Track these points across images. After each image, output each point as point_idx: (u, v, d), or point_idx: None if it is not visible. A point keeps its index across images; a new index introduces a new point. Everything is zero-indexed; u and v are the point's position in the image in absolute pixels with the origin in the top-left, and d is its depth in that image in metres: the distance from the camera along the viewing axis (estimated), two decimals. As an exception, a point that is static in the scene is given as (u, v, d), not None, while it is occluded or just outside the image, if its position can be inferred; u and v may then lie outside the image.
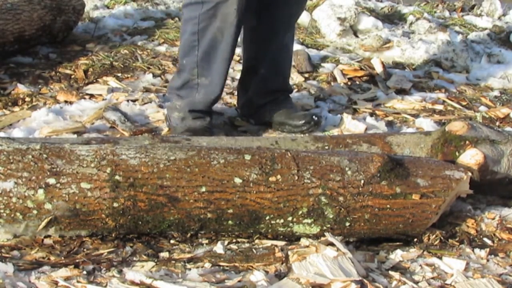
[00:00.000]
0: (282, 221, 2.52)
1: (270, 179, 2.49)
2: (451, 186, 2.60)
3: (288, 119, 3.60)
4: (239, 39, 3.50)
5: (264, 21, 3.56)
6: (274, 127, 3.65)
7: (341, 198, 2.51)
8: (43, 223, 2.42)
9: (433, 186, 2.59)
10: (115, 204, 2.43)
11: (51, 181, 2.41)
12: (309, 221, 2.52)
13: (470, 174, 2.67)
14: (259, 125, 3.69)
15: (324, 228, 2.53)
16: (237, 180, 2.48)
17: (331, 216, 2.52)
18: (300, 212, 2.51)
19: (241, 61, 4.29)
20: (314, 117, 3.61)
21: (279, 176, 2.50)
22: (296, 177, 2.51)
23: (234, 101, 3.92)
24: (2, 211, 2.39)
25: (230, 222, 2.50)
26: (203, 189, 2.46)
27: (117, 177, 2.43)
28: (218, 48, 3.36)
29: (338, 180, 2.52)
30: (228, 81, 4.18)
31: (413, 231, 2.62)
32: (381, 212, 2.54)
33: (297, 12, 3.67)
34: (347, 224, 2.54)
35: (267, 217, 2.51)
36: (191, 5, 3.40)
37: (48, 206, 2.40)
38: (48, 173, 2.41)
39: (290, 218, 2.52)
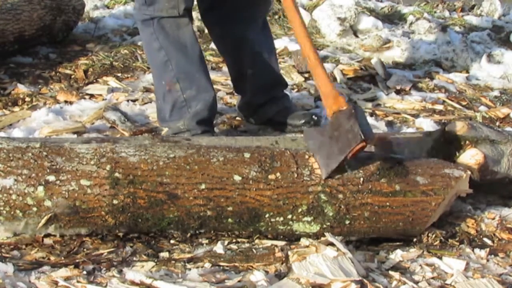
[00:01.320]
0: (281, 219, 2.52)
1: (270, 176, 2.49)
2: (450, 184, 2.60)
3: (288, 119, 3.59)
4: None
5: (229, 27, 3.51)
6: (274, 127, 3.64)
7: (340, 196, 2.52)
8: (43, 221, 2.42)
9: (433, 184, 2.59)
10: (115, 201, 2.43)
11: (51, 178, 2.41)
12: (308, 219, 2.52)
13: (469, 172, 2.67)
14: (259, 125, 3.68)
15: (324, 226, 2.53)
16: (237, 178, 2.48)
17: (330, 214, 2.52)
18: (300, 210, 2.51)
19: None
20: (313, 116, 3.61)
21: (278, 174, 2.50)
22: (296, 175, 2.51)
23: (234, 101, 3.92)
24: (2, 208, 2.40)
25: (229, 220, 2.50)
26: (203, 186, 2.46)
27: (116, 174, 2.43)
28: (187, 51, 3.30)
29: (337, 177, 2.52)
30: (228, 81, 4.18)
31: (413, 229, 2.62)
32: (380, 210, 2.55)
33: (262, 9, 3.60)
34: (347, 222, 2.54)
35: (267, 215, 2.51)
36: (145, 22, 3.34)
37: (48, 203, 2.41)
38: (48, 170, 2.41)
39: (289, 216, 2.52)
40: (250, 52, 3.54)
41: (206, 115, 3.35)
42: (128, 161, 2.46)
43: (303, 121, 3.57)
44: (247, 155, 2.52)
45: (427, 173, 2.60)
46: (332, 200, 2.51)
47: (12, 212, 2.41)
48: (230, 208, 2.48)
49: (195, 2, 3.42)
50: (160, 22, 3.28)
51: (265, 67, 3.61)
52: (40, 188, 2.40)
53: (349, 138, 2.47)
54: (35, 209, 2.41)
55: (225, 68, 4.41)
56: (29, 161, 2.42)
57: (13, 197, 2.39)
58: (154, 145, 2.54)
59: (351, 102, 2.55)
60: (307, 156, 2.55)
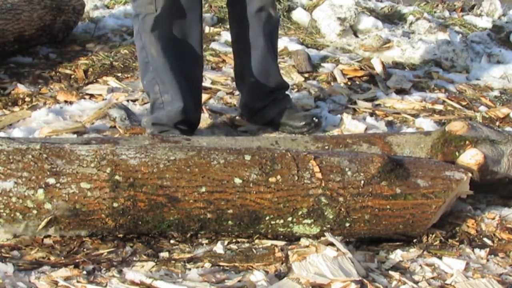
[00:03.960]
0: (282, 221, 2.52)
1: (270, 179, 2.49)
2: (451, 187, 2.60)
3: (288, 120, 3.58)
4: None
5: (239, 32, 3.50)
6: (274, 127, 3.64)
7: (341, 199, 2.51)
8: (43, 223, 2.42)
9: (433, 187, 2.58)
10: (115, 204, 2.43)
11: (51, 181, 2.41)
12: (309, 221, 2.52)
13: (470, 175, 2.67)
14: (260, 126, 3.68)
15: (324, 228, 2.53)
16: (237, 181, 2.48)
17: (331, 217, 2.52)
18: (300, 213, 2.51)
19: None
20: (314, 118, 3.59)
21: (279, 177, 2.50)
22: (296, 178, 2.50)
23: (234, 101, 3.92)
24: (2, 211, 2.39)
25: (230, 222, 2.50)
26: (203, 189, 2.46)
27: (117, 177, 2.43)
28: (159, 63, 3.26)
29: (338, 180, 2.52)
30: (228, 81, 4.18)
31: (413, 231, 2.62)
32: (381, 213, 2.54)
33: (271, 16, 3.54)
34: (347, 224, 2.54)
35: (267, 218, 2.51)
36: (134, 19, 3.33)
37: (48, 206, 2.40)
38: (48, 173, 2.41)
39: (290, 219, 2.51)
40: (260, 58, 3.52)
41: (180, 119, 3.33)
42: (128, 163, 2.45)
43: (303, 122, 3.57)
44: (247, 157, 2.52)
45: (428, 175, 2.60)
46: (333, 203, 2.51)
47: (12, 215, 2.40)
48: (230, 211, 2.48)
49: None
50: (144, 20, 3.24)
51: (269, 74, 3.59)
52: (40, 191, 2.40)
53: None
54: (35, 211, 2.41)
55: (225, 68, 4.42)
56: (29, 163, 2.42)
57: (13, 199, 2.39)
58: (154, 147, 2.53)
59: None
60: (308, 159, 2.55)
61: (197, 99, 3.44)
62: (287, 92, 3.74)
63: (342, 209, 2.52)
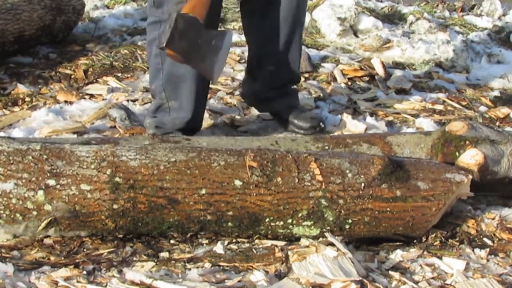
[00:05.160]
0: (282, 223, 2.52)
1: (271, 181, 2.49)
2: (451, 189, 2.60)
3: (295, 119, 3.54)
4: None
5: (268, 19, 3.45)
6: (277, 122, 3.61)
7: (341, 201, 2.51)
8: (43, 224, 2.42)
9: (434, 189, 2.58)
10: (115, 206, 2.43)
11: (51, 182, 2.40)
12: (309, 223, 2.52)
13: (471, 177, 2.66)
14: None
15: (324, 230, 2.53)
16: (237, 182, 2.47)
17: (331, 219, 2.52)
18: (300, 215, 2.50)
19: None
20: (321, 123, 3.54)
21: (279, 179, 2.49)
22: (297, 180, 2.50)
23: (234, 101, 3.92)
24: (2, 212, 2.39)
25: (229, 224, 2.50)
26: (203, 191, 2.46)
27: (117, 178, 2.43)
28: (180, 71, 3.21)
29: (338, 182, 2.52)
30: (228, 81, 4.19)
31: (413, 233, 2.62)
32: (381, 215, 2.54)
33: (300, 6, 3.50)
34: (347, 226, 2.54)
35: (267, 219, 2.50)
36: (152, 25, 3.30)
37: (48, 207, 2.40)
38: (48, 174, 2.41)
39: (290, 221, 2.51)
40: (283, 51, 3.47)
41: (184, 127, 3.32)
42: (128, 165, 2.45)
43: (309, 124, 3.52)
44: (249, 159, 2.51)
45: (428, 177, 2.59)
46: (333, 206, 2.51)
47: (12, 216, 2.40)
48: (230, 213, 2.48)
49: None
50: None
51: (288, 67, 3.54)
52: (40, 192, 2.40)
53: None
54: (35, 213, 2.41)
55: (225, 68, 4.41)
56: (29, 164, 2.41)
57: (13, 201, 2.39)
58: (154, 148, 2.53)
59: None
60: (308, 161, 2.54)
61: (205, 104, 3.45)
62: (295, 87, 3.71)
63: (342, 212, 2.51)
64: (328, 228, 2.53)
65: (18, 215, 2.40)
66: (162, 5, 3.19)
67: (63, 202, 2.40)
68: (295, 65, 3.58)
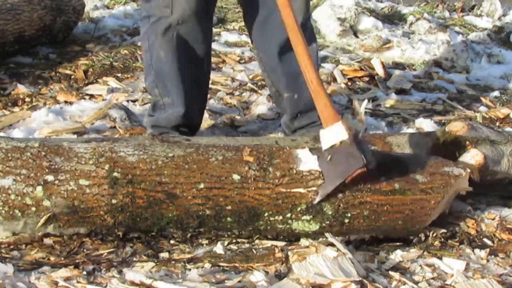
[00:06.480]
0: (281, 217, 2.51)
1: (269, 175, 2.49)
2: (450, 182, 2.60)
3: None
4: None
5: (265, 49, 3.31)
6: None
7: (340, 195, 2.51)
8: (42, 220, 2.42)
9: (432, 182, 2.58)
10: (114, 201, 2.43)
11: (50, 178, 2.41)
12: (308, 217, 2.52)
13: (469, 170, 2.67)
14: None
15: (323, 225, 2.53)
16: (236, 177, 2.48)
17: (330, 213, 2.52)
18: (299, 209, 2.50)
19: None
20: None
21: (277, 172, 2.49)
22: (294, 171, 2.50)
23: (234, 101, 3.93)
24: (0, 208, 2.40)
25: (228, 219, 2.50)
26: (202, 186, 2.46)
27: (115, 174, 2.43)
28: (165, 67, 3.20)
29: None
30: (228, 81, 4.19)
31: (412, 227, 2.62)
32: (380, 209, 2.54)
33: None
34: (346, 220, 2.54)
35: (266, 214, 2.51)
36: (143, 20, 3.28)
37: (46, 203, 2.41)
38: (47, 170, 2.41)
39: (289, 215, 2.51)
40: (293, 73, 3.21)
41: (180, 123, 3.28)
42: (126, 160, 2.46)
43: None
44: (245, 154, 2.51)
45: (427, 171, 2.60)
46: (331, 199, 2.51)
47: (11, 212, 2.41)
48: (229, 207, 2.48)
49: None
50: (157, 22, 3.19)
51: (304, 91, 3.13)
52: (39, 188, 2.40)
53: (350, 163, 2.46)
54: (34, 209, 2.41)
55: (225, 69, 4.42)
56: (27, 160, 2.42)
57: (12, 197, 2.39)
58: (153, 145, 2.54)
59: (352, 128, 2.52)
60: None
61: (202, 104, 3.40)
62: None
63: (341, 205, 2.52)
64: (328, 222, 2.52)
65: (17, 211, 2.40)
66: (150, 0, 3.19)
67: (62, 198, 2.41)
68: None
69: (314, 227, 2.54)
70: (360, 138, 2.53)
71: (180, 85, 3.24)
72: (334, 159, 2.49)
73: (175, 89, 3.25)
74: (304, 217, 2.52)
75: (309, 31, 3.23)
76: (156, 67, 3.24)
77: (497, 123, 3.94)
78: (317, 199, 2.49)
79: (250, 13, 3.30)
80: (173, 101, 3.26)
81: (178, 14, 3.14)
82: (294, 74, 3.19)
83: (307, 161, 2.51)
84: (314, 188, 2.48)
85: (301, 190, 2.49)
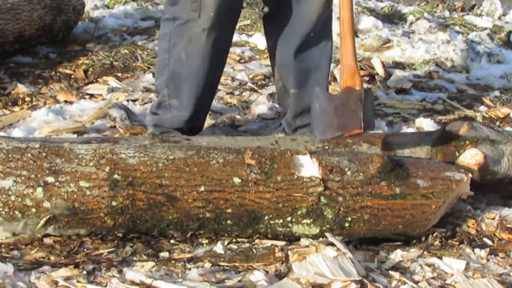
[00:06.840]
0: (281, 221, 2.52)
1: (269, 179, 2.49)
2: (451, 187, 2.60)
3: None
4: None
5: (282, 41, 3.30)
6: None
7: (340, 199, 2.51)
8: (42, 222, 2.42)
9: (433, 187, 2.58)
10: (114, 203, 2.43)
11: (50, 179, 2.41)
12: (308, 221, 2.52)
13: (470, 175, 2.66)
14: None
15: (324, 228, 2.53)
16: (236, 180, 2.48)
17: (330, 217, 2.52)
18: (299, 212, 2.51)
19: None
20: None
21: (278, 176, 2.50)
22: (295, 177, 2.50)
23: (234, 101, 3.92)
24: (1, 209, 2.40)
25: (229, 221, 2.50)
26: (202, 189, 2.46)
27: (116, 176, 2.43)
28: (184, 69, 3.21)
29: (337, 180, 2.52)
30: (228, 81, 4.18)
31: (413, 232, 2.62)
32: (380, 213, 2.54)
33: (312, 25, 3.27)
34: (346, 224, 2.54)
35: (266, 217, 2.51)
36: (166, 21, 3.29)
37: (47, 204, 2.41)
38: (47, 171, 2.41)
39: (289, 218, 2.51)
40: (304, 71, 3.29)
41: (183, 126, 3.29)
42: (127, 162, 2.45)
43: None
44: (247, 157, 2.51)
45: (428, 176, 2.59)
46: (332, 203, 2.51)
47: (11, 213, 2.41)
48: (229, 210, 2.48)
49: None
50: (182, 25, 3.18)
51: (312, 87, 3.19)
52: (39, 189, 2.40)
53: (350, 120, 2.51)
54: (34, 210, 2.41)
55: (225, 68, 4.40)
56: (28, 162, 2.42)
57: (12, 198, 2.39)
58: (153, 146, 2.54)
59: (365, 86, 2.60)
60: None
61: (208, 106, 3.41)
62: None
63: (342, 209, 2.52)
64: (328, 226, 2.52)
65: (17, 212, 2.40)
66: (176, 3, 3.21)
67: (62, 199, 2.40)
68: (323, 83, 3.36)
69: (314, 230, 2.54)
70: (368, 98, 2.62)
71: (194, 87, 3.25)
72: (338, 110, 2.58)
73: (187, 94, 3.25)
74: (305, 221, 2.52)
75: (328, 29, 3.32)
76: (173, 68, 3.24)
77: (497, 123, 3.94)
78: (316, 141, 2.65)
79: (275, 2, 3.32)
80: (181, 105, 3.26)
81: (205, 18, 3.14)
82: (305, 72, 3.28)
83: (308, 167, 2.51)
84: (315, 194, 2.49)
85: (302, 194, 2.48)
